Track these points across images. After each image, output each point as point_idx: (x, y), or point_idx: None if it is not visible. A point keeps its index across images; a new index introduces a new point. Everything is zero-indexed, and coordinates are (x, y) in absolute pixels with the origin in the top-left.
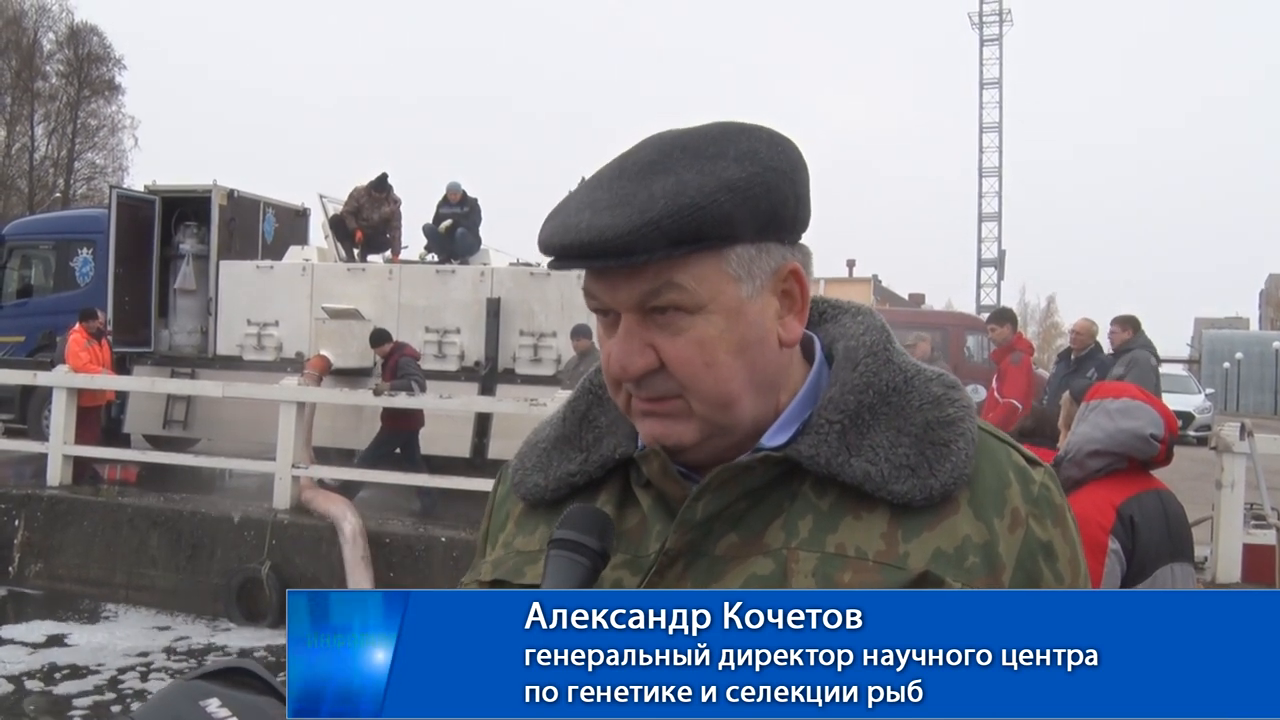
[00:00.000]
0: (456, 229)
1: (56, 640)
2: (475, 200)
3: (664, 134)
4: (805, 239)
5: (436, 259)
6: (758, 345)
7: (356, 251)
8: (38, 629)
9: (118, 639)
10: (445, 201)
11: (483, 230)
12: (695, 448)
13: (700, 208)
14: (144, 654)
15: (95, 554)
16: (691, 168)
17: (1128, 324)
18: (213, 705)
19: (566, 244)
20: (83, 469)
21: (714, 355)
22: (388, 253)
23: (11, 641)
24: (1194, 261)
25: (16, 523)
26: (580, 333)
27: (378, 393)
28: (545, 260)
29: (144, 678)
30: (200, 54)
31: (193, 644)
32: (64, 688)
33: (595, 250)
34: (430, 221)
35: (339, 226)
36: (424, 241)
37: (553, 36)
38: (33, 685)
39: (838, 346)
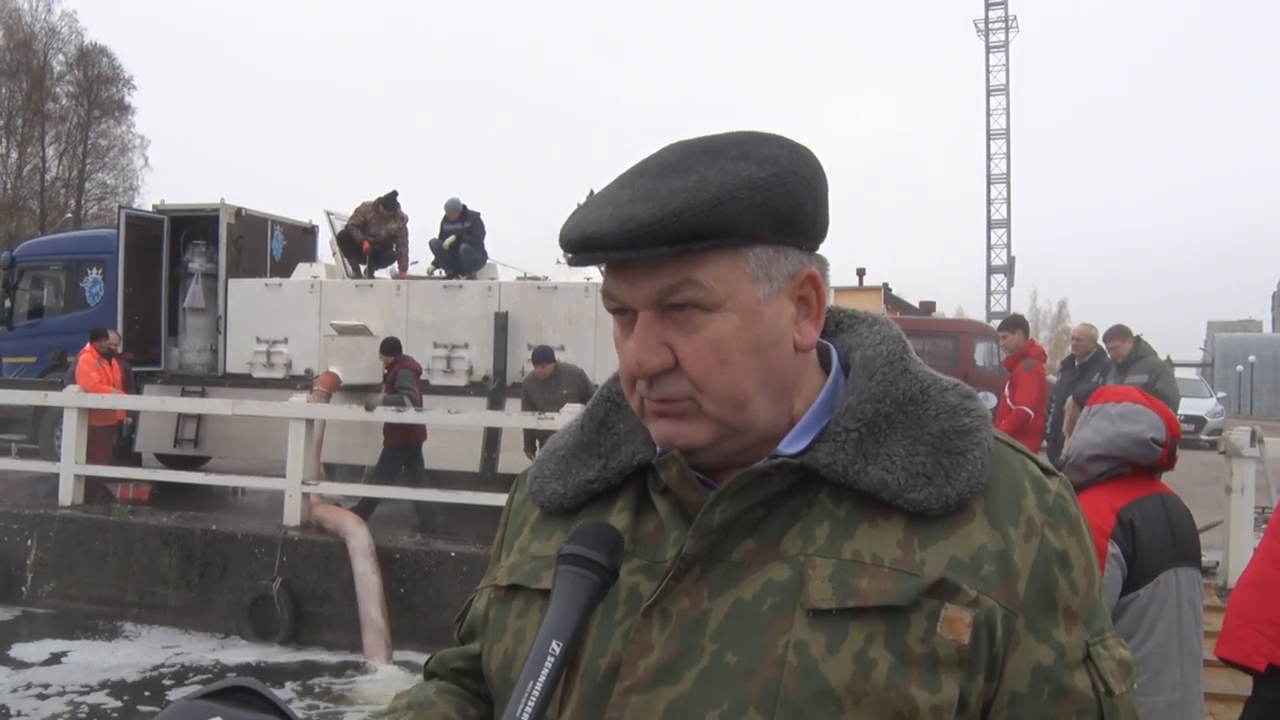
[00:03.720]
0: (460, 244)
1: (58, 658)
2: (477, 215)
3: (685, 140)
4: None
5: (444, 274)
6: (773, 347)
7: (364, 267)
8: (47, 648)
9: (120, 657)
10: (445, 219)
11: (488, 244)
12: (708, 449)
13: (721, 202)
14: (152, 670)
15: (107, 573)
16: (713, 166)
17: (1125, 335)
18: None
19: (588, 235)
20: (95, 488)
21: (729, 354)
22: (395, 267)
23: (16, 661)
24: (1206, 264)
25: (29, 543)
26: (542, 356)
27: (369, 408)
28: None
29: (148, 693)
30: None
31: (199, 662)
32: (67, 706)
33: (617, 241)
34: (436, 237)
35: (346, 241)
36: (431, 258)
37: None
38: (36, 703)
39: (854, 356)
